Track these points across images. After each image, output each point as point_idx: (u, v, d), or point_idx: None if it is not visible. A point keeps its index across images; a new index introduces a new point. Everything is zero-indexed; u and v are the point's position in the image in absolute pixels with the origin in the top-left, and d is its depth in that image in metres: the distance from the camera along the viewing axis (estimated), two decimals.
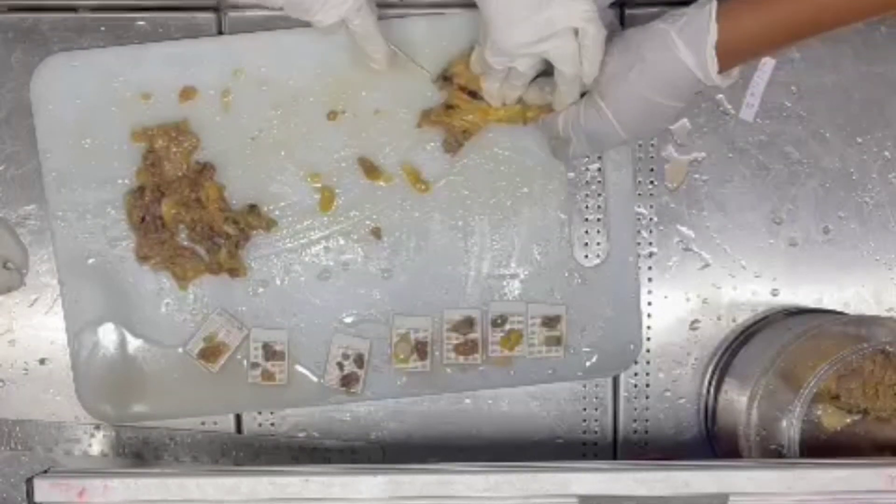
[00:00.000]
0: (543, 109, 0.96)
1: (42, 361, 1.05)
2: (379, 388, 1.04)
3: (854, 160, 1.07)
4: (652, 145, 1.06)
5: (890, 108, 1.07)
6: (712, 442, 1.06)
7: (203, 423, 1.05)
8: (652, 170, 1.07)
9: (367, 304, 1.04)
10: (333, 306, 1.04)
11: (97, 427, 1.05)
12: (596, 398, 1.07)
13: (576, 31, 0.87)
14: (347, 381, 1.04)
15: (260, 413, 1.06)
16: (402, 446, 1.06)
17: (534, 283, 1.05)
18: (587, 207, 1.06)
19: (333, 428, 1.06)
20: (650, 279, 1.07)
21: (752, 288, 1.07)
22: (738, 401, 0.99)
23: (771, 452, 0.93)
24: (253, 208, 1.03)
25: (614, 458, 1.07)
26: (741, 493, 0.80)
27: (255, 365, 1.03)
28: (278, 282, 1.04)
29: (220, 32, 1.04)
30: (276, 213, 1.03)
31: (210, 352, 1.03)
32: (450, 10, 1.02)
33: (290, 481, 0.79)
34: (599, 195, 1.05)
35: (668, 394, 1.07)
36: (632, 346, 1.06)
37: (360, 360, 1.04)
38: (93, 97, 1.02)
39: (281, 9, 0.92)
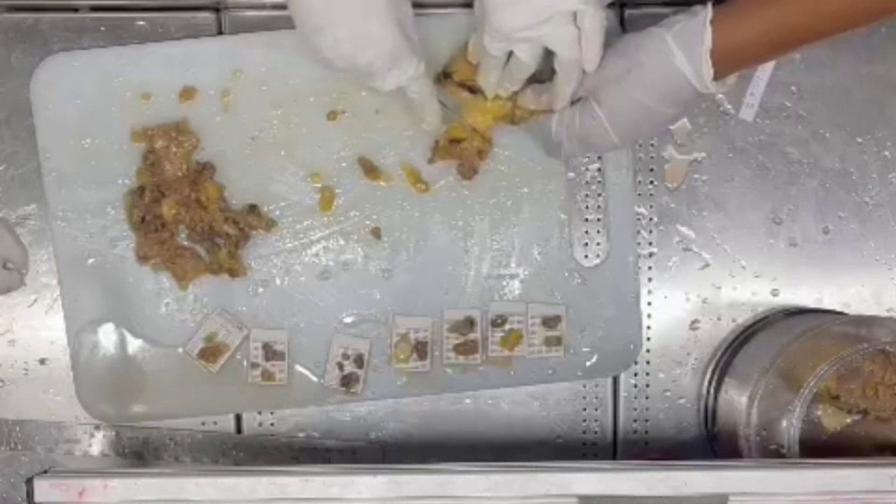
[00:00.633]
0: (536, 115, 0.96)
1: (42, 361, 1.05)
2: (379, 388, 1.04)
3: (854, 160, 1.07)
4: (652, 145, 1.06)
5: (890, 108, 1.07)
6: (712, 442, 1.06)
7: (203, 423, 1.05)
8: (652, 170, 1.07)
9: (367, 304, 1.04)
10: (333, 306, 1.04)
11: (97, 427, 1.05)
12: (596, 398, 1.07)
13: (575, 16, 0.87)
14: (347, 381, 1.04)
15: (260, 413, 1.06)
16: (402, 446, 1.06)
17: (534, 283, 1.05)
18: (587, 207, 1.06)
19: (333, 428, 1.06)
20: (650, 279, 1.07)
21: (752, 288, 1.07)
22: (738, 401, 0.99)
23: (771, 452, 0.93)
24: (253, 208, 1.03)
25: (614, 458, 1.07)
26: (741, 493, 0.80)
27: (255, 365, 1.03)
28: (278, 282, 1.04)
29: (220, 32, 1.04)
30: (276, 213, 1.03)
31: (210, 352, 1.03)
32: (450, 10, 1.03)
33: (290, 481, 0.79)
34: (599, 195, 1.05)
35: (668, 394, 1.07)
36: (632, 346, 1.06)
37: (360, 360, 1.04)
38: (93, 97, 1.02)
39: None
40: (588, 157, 1.05)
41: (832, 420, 0.93)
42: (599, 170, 1.05)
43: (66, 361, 1.03)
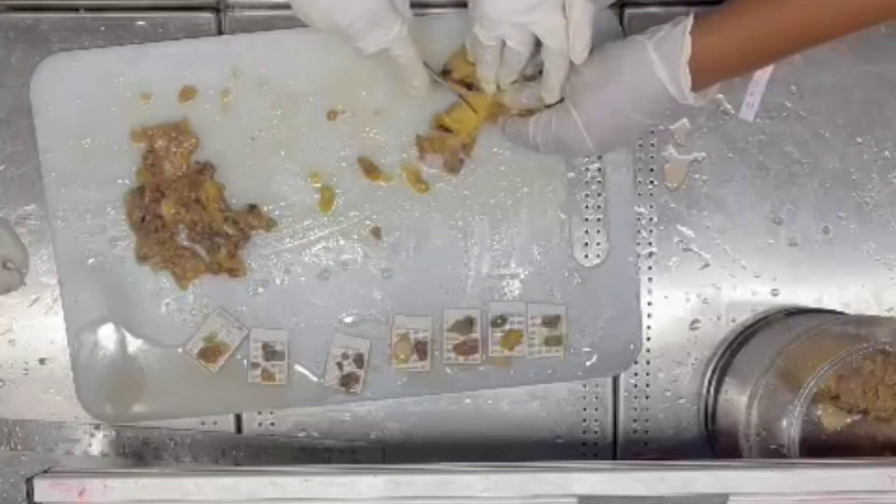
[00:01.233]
0: (522, 113, 0.97)
1: (42, 361, 1.05)
2: (379, 388, 1.04)
3: (854, 160, 1.07)
4: (652, 145, 1.06)
5: (890, 108, 1.07)
6: (712, 442, 1.06)
7: (203, 423, 1.05)
8: (652, 170, 1.07)
9: (367, 304, 1.04)
10: (333, 306, 1.04)
11: (97, 427, 1.05)
12: (596, 398, 1.07)
13: (563, 6, 0.87)
14: (347, 381, 1.04)
15: (260, 413, 1.06)
16: (402, 446, 1.06)
17: (534, 283, 1.05)
18: (587, 207, 1.06)
19: (333, 428, 1.06)
20: (650, 279, 1.07)
21: (752, 288, 1.07)
22: (738, 401, 0.99)
23: (771, 452, 0.93)
24: (253, 208, 1.03)
25: (614, 457, 1.07)
26: (741, 492, 0.80)
27: (255, 365, 1.03)
28: (278, 282, 1.04)
29: (220, 32, 1.04)
30: (276, 213, 1.03)
31: (210, 352, 1.03)
32: (449, 11, 1.03)
33: (290, 481, 0.79)
34: (599, 195, 1.05)
35: (668, 394, 1.07)
36: (632, 346, 1.06)
37: (360, 360, 1.04)
38: (93, 97, 1.02)
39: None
40: (588, 157, 1.05)
41: (832, 420, 0.93)
42: (599, 170, 1.05)
43: (66, 361, 1.03)
